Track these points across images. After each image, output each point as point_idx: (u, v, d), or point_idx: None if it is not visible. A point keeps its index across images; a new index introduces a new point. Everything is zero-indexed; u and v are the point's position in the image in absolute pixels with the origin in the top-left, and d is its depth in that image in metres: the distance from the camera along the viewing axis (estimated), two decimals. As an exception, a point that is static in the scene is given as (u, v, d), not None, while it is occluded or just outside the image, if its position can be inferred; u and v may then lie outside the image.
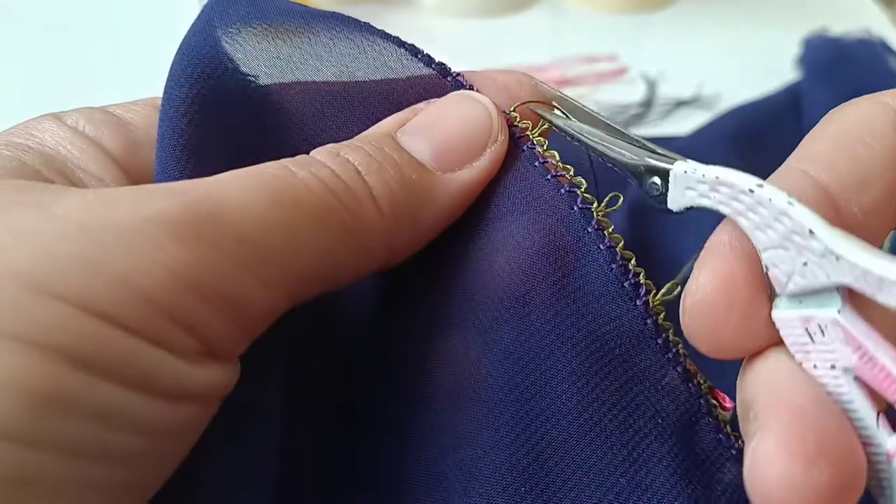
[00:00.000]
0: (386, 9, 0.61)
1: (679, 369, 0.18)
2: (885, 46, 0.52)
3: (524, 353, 0.18)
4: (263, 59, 0.20)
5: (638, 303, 0.18)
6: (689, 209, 0.17)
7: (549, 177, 0.19)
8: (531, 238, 0.19)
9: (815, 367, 0.15)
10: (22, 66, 0.54)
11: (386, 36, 0.20)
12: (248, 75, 0.19)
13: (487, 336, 0.19)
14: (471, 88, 0.21)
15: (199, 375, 0.16)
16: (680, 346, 0.18)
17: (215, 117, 0.19)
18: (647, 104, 0.52)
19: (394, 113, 0.20)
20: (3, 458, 0.13)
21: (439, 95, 0.20)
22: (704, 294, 0.16)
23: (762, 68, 0.53)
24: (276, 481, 0.20)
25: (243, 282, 0.16)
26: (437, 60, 0.21)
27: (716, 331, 0.16)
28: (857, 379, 0.15)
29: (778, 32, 0.58)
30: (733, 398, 0.18)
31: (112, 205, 0.15)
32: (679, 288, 0.18)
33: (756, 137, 0.44)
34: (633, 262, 0.18)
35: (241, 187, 0.16)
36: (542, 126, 0.20)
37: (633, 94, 0.53)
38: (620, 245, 0.19)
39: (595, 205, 0.19)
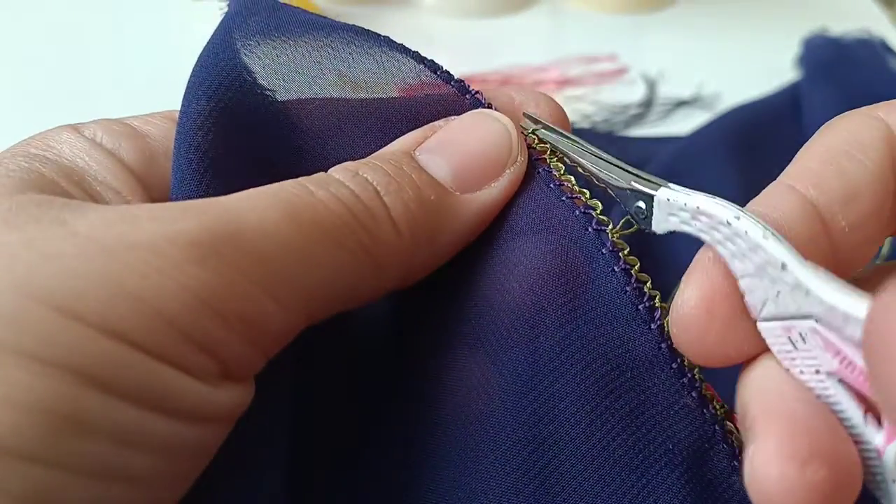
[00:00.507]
0: (386, 9, 0.61)
1: (694, 394, 0.18)
2: (885, 47, 0.52)
3: (533, 376, 0.18)
4: (282, 72, 0.20)
5: (652, 326, 0.18)
6: (673, 232, 0.18)
7: (563, 198, 0.19)
8: (543, 258, 0.19)
9: (801, 372, 0.16)
10: (27, 69, 0.54)
11: (405, 51, 0.20)
12: (267, 89, 0.19)
13: (496, 357, 0.19)
14: (489, 107, 0.20)
15: (217, 397, 0.16)
16: (696, 370, 0.18)
17: (233, 131, 0.19)
18: (647, 104, 0.52)
19: (412, 130, 0.20)
20: (24, 477, 0.13)
21: (458, 113, 0.20)
22: (688, 308, 0.16)
23: (762, 68, 0.53)
24: (285, 495, 0.20)
25: (262, 302, 0.16)
26: (456, 77, 0.21)
27: (700, 341, 0.16)
28: (841, 381, 0.15)
29: (778, 32, 0.58)
30: None
31: (133, 224, 0.15)
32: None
33: (756, 137, 0.44)
34: (648, 284, 0.18)
35: (260, 207, 0.16)
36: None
37: (633, 94, 0.53)
38: (636, 268, 0.18)
39: (610, 226, 0.19)
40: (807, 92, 0.48)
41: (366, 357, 0.22)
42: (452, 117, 0.20)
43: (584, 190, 0.19)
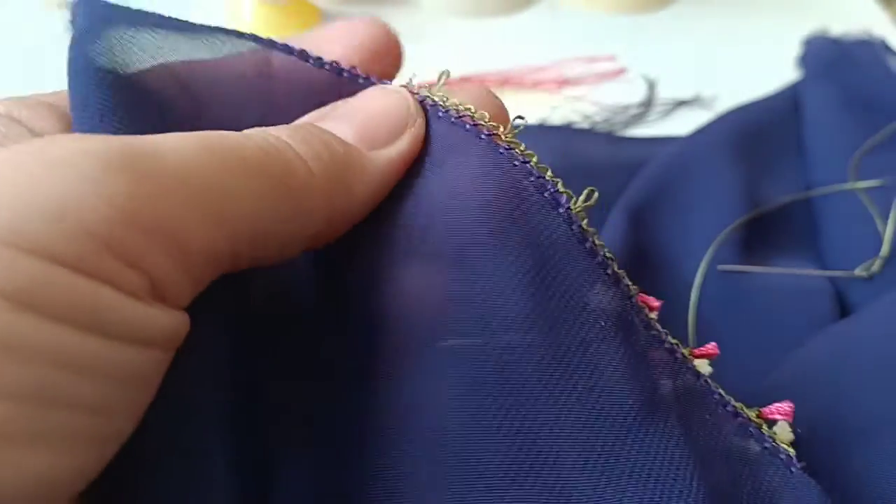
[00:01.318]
0: (386, 9, 0.61)
1: (609, 272, 0.19)
2: (885, 47, 0.52)
3: (474, 280, 0.19)
4: (151, 49, 0.20)
5: (560, 210, 0.19)
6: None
7: (466, 127, 0.21)
8: (460, 177, 0.20)
9: None
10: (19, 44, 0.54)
11: (256, 39, 0.21)
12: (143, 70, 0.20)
13: (444, 272, 0.20)
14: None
15: (150, 316, 0.15)
16: (606, 249, 0.19)
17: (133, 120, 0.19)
18: (647, 104, 0.52)
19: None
20: None
21: (345, 94, 0.22)
22: None
23: (762, 68, 0.53)
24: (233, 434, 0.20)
25: (184, 218, 0.16)
26: (345, 67, 0.22)
27: None
28: None
29: (778, 33, 0.58)
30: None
31: (50, 142, 0.15)
32: (596, 193, 0.19)
33: (756, 138, 0.44)
34: (549, 173, 0.20)
35: (177, 138, 0.17)
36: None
37: (633, 94, 0.53)
38: (535, 160, 0.20)
39: (502, 129, 0.20)
40: (807, 92, 0.48)
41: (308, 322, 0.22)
42: (347, 99, 0.22)
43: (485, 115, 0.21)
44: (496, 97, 0.23)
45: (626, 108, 0.52)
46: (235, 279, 0.19)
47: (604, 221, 0.39)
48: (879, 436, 0.25)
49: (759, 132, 0.45)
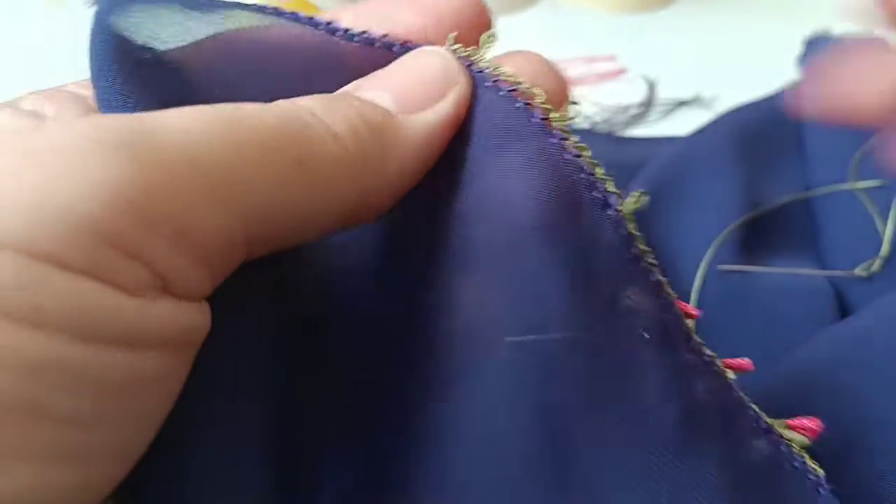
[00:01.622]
0: (386, 8, 0.61)
1: (653, 279, 0.18)
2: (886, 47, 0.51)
3: (523, 279, 0.18)
4: (178, 32, 0.19)
5: (609, 212, 0.18)
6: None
7: (514, 104, 0.19)
8: (511, 163, 0.19)
9: None
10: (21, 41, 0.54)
11: (302, 19, 0.20)
12: (169, 56, 0.19)
13: (490, 272, 0.19)
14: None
15: (157, 313, 0.14)
16: (650, 256, 0.19)
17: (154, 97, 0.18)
18: (647, 104, 0.52)
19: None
20: None
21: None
22: None
23: (762, 68, 0.53)
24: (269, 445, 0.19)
25: (192, 204, 0.14)
26: (376, 37, 0.20)
27: None
28: None
29: (778, 33, 0.58)
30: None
31: (35, 129, 0.14)
32: (647, 197, 0.19)
33: (756, 137, 0.44)
34: (599, 170, 0.19)
35: (183, 112, 0.15)
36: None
37: (633, 94, 0.53)
38: (587, 154, 0.19)
39: (555, 113, 0.19)
40: (807, 92, 0.48)
41: (352, 295, 0.21)
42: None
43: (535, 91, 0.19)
44: (557, 71, 0.21)
45: (626, 108, 0.52)
46: (269, 266, 0.17)
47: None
48: (882, 437, 0.25)
49: (759, 132, 0.45)
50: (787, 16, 0.63)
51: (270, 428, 0.18)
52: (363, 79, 0.20)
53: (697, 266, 0.37)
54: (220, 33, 0.20)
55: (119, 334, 0.13)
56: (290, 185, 0.16)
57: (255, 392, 0.18)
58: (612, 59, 0.57)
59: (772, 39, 0.59)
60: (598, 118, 0.51)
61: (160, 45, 0.19)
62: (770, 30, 0.61)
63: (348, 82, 0.20)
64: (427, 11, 0.21)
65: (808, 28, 0.54)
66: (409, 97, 0.19)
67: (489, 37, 0.21)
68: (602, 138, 0.48)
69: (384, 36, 0.20)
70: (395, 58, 0.20)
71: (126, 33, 0.19)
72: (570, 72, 0.55)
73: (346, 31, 0.20)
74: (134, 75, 0.18)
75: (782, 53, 0.54)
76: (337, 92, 0.19)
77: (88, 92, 0.19)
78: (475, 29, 0.21)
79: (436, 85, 0.19)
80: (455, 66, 0.19)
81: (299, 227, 0.17)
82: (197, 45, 0.19)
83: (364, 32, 0.20)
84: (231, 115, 0.16)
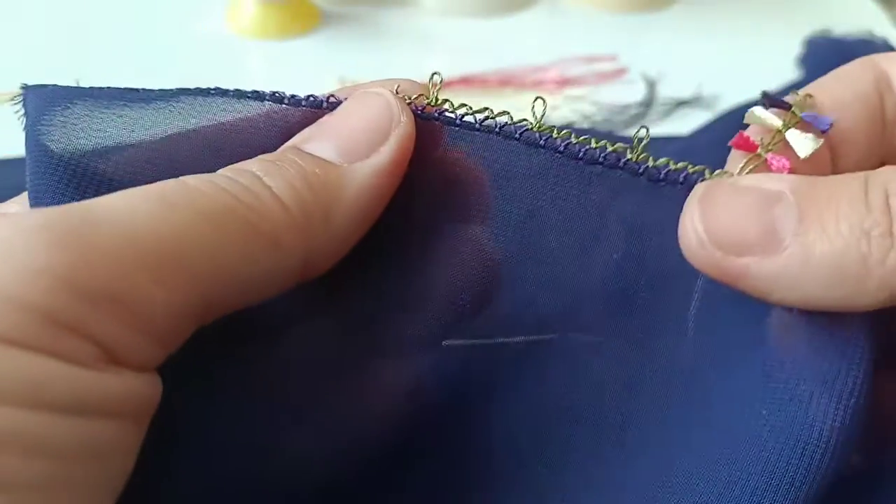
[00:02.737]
0: (386, 9, 0.61)
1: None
2: (887, 47, 0.51)
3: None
4: (112, 128, 0.20)
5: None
6: None
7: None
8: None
9: None
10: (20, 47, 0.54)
11: (243, 95, 0.21)
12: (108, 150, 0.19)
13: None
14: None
15: (105, 384, 0.15)
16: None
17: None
18: (647, 104, 0.52)
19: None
20: None
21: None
22: None
23: (762, 68, 0.53)
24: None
25: (131, 278, 0.15)
26: (304, 97, 0.21)
27: None
28: None
29: (778, 33, 0.58)
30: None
31: None
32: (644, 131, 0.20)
33: (756, 138, 0.44)
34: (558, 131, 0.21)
35: (128, 194, 0.16)
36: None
37: (633, 94, 0.53)
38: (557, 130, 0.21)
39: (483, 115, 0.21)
40: (807, 92, 0.48)
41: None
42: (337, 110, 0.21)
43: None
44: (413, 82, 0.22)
45: (626, 108, 0.52)
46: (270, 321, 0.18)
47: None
48: None
49: (760, 132, 0.45)
50: (787, 16, 0.63)
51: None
52: (309, 128, 0.20)
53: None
54: (165, 132, 0.20)
55: (70, 403, 0.14)
56: (236, 251, 0.17)
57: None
58: (612, 59, 0.57)
59: (772, 39, 0.59)
60: (598, 118, 0.51)
61: (90, 147, 0.19)
62: (770, 30, 0.61)
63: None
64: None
65: (809, 28, 0.54)
66: (352, 145, 0.19)
67: (434, 74, 0.22)
68: (602, 138, 0.48)
69: (330, 97, 0.21)
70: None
71: (55, 142, 0.19)
72: (570, 72, 0.55)
73: (293, 96, 0.21)
74: (65, 183, 0.19)
75: (782, 53, 0.54)
76: (283, 147, 0.20)
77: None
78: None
79: (379, 128, 0.20)
80: (396, 106, 0.20)
81: (251, 289, 0.18)
82: (133, 146, 0.20)
83: (311, 96, 0.21)
84: (170, 189, 0.16)
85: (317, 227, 0.18)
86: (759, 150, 0.21)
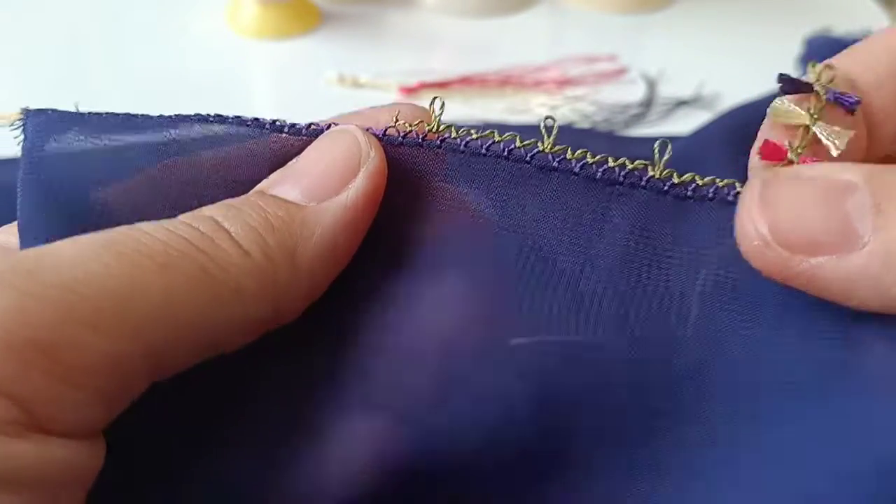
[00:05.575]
0: (386, 8, 0.61)
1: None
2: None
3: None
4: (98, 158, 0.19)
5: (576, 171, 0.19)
6: None
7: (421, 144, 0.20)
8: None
9: None
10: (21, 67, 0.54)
11: (223, 120, 0.20)
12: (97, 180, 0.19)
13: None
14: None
15: (22, 453, 0.13)
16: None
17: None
18: (647, 104, 0.52)
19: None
20: None
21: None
22: None
23: (762, 68, 0.53)
24: None
25: (71, 331, 0.14)
26: (288, 123, 0.20)
27: None
28: None
29: (778, 32, 0.58)
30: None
31: None
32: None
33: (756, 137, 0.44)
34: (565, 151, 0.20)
35: (73, 242, 0.15)
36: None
37: (633, 94, 0.53)
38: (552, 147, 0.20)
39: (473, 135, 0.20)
40: (807, 92, 0.48)
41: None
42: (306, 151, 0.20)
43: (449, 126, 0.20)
44: (412, 105, 0.21)
45: (627, 107, 0.52)
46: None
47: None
48: None
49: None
50: (787, 16, 0.63)
51: None
52: (277, 172, 0.20)
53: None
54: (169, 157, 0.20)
55: None
56: (191, 299, 0.16)
57: None
58: (612, 59, 0.57)
59: (772, 39, 0.59)
60: (598, 118, 0.51)
61: (97, 168, 0.19)
62: (770, 30, 0.61)
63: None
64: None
65: (809, 28, 0.54)
66: (318, 184, 0.19)
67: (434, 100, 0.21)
68: (602, 138, 0.48)
69: (310, 125, 0.20)
70: (304, 142, 0.20)
71: (51, 169, 0.19)
72: (570, 72, 0.55)
73: (293, 125, 0.20)
74: (55, 215, 0.18)
75: (783, 53, 0.54)
76: (249, 192, 0.19)
77: (14, 239, 0.19)
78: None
79: (346, 165, 0.19)
80: (364, 142, 0.19)
81: (213, 339, 0.17)
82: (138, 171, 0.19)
83: (312, 125, 0.20)
84: (120, 236, 0.16)
85: (282, 271, 0.17)
86: (789, 155, 0.19)
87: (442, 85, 0.50)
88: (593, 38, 0.59)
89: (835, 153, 0.18)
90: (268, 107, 0.53)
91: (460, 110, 0.49)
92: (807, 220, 0.16)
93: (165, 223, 0.17)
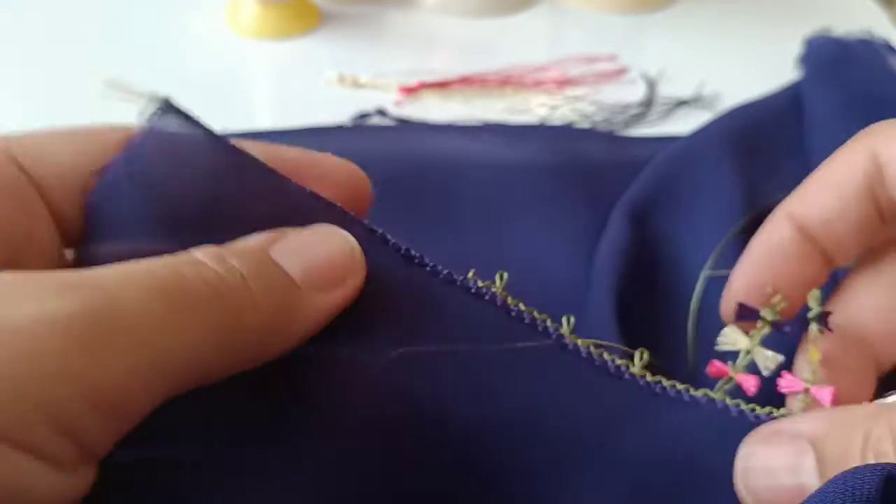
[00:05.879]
0: (386, 9, 0.61)
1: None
2: (887, 47, 0.51)
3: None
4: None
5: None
6: None
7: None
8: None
9: None
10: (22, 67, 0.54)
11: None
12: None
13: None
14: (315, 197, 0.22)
15: (70, 484, 0.15)
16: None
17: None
18: (647, 104, 0.52)
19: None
20: None
21: (296, 208, 0.22)
22: None
23: (762, 68, 0.53)
24: None
25: (129, 385, 0.15)
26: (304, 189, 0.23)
27: None
28: None
29: (778, 33, 0.58)
30: None
31: (14, 304, 0.15)
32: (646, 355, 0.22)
33: (756, 138, 0.44)
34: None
35: (136, 288, 0.16)
36: None
37: (633, 94, 0.53)
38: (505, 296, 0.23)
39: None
40: (808, 92, 0.48)
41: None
42: (301, 229, 0.22)
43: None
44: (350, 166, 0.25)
45: (627, 107, 0.52)
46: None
47: (604, 222, 0.38)
48: None
49: (760, 132, 0.45)
50: (787, 16, 0.63)
51: None
52: (278, 237, 0.21)
53: (699, 267, 0.36)
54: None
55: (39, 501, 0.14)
56: (212, 349, 0.18)
57: None
58: (612, 59, 0.57)
59: (772, 39, 0.59)
60: (598, 118, 0.51)
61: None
62: (770, 30, 0.61)
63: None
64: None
65: (809, 28, 0.54)
66: (316, 275, 0.20)
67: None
68: (602, 138, 0.48)
69: (308, 191, 0.22)
70: (317, 209, 0.22)
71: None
72: (571, 72, 0.55)
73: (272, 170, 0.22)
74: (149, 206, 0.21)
75: (783, 53, 0.54)
76: (255, 245, 0.20)
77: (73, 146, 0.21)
78: (356, 191, 0.24)
79: (341, 268, 0.21)
80: (358, 258, 0.21)
81: (207, 376, 0.18)
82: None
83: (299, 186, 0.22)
84: (174, 286, 0.17)
85: (278, 332, 0.20)
86: (730, 373, 0.23)
87: (442, 85, 0.50)
88: (593, 38, 0.59)
89: (765, 374, 0.23)
90: (268, 107, 0.53)
91: (460, 110, 0.48)
92: (774, 485, 0.18)
93: (201, 269, 0.18)
